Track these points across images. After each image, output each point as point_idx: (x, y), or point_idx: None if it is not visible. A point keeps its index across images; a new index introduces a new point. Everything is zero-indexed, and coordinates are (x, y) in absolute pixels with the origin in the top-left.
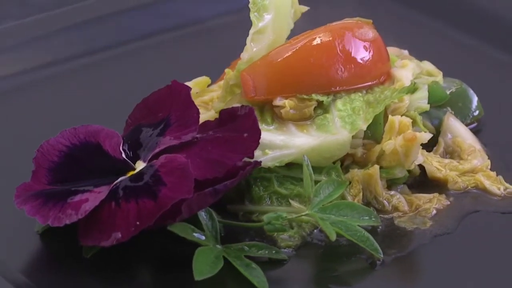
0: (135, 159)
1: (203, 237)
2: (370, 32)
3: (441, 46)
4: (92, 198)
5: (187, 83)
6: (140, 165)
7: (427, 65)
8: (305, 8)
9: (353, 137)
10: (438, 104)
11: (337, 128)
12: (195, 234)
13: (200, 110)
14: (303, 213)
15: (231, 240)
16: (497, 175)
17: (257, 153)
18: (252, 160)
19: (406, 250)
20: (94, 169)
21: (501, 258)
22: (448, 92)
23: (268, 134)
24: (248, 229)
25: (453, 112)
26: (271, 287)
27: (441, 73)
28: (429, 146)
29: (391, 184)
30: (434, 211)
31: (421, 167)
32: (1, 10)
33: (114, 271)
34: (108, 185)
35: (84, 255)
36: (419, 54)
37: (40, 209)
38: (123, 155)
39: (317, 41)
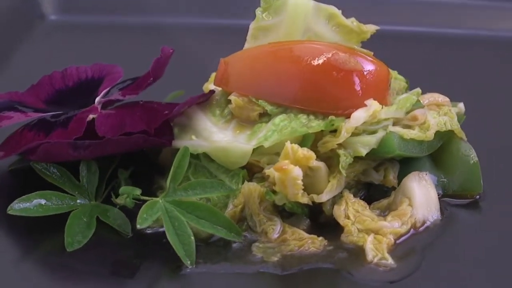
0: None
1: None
2: (347, 62)
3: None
4: (17, 118)
5: None
6: None
7: (433, 119)
8: (373, 28)
9: (276, 154)
10: (385, 156)
11: (255, 138)
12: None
13: None
14: (152, 198)
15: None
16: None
17: (185, 136)
18: (148, 137)
19: (221, 270)
20: (77, 100)
21: None
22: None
23: (207, 123)
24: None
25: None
26: (82, 251)
27: (433, 131)
28: (381, 197)
29: (290, 211)
30: (296, 249)
31: None
32: None
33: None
34: (41, 114)
35: (8, 169)
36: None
37: None
38: (99, 97)
39: (284, 51)
